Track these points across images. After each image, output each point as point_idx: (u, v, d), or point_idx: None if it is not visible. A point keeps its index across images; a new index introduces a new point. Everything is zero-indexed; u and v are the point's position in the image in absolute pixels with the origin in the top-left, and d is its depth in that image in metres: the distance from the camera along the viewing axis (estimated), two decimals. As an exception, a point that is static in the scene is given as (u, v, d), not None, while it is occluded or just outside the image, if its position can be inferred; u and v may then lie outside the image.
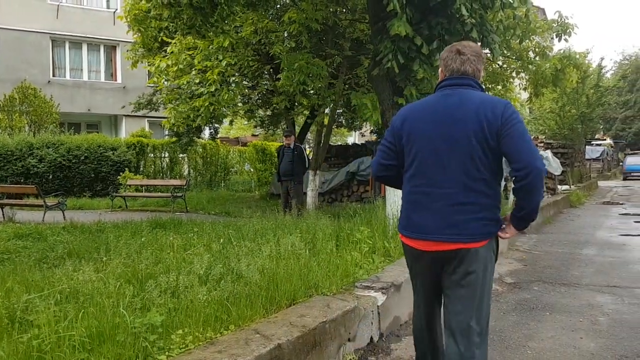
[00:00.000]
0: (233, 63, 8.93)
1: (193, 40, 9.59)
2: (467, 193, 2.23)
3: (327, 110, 12.01)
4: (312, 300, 3.35)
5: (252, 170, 21.79)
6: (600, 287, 5.01)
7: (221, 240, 4.74)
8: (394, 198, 5.82)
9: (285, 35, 9.84)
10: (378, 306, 3.62)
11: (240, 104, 15.74)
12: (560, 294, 4.83)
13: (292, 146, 9.48)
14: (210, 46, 9.31)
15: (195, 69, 9.37)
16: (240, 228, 5.45)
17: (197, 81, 9.36)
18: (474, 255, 2.24)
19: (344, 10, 10.35)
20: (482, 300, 2.29)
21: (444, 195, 2.26)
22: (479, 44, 5.32)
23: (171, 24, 6.06)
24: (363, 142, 19.31)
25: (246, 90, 14.40)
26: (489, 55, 5.69)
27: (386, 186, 5.90)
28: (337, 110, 17.19)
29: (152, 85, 12.31)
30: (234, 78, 9.32)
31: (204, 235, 5.16)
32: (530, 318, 4.13)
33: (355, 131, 26.62)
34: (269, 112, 16.19)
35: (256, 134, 29.67)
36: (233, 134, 43.78)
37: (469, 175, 2.23)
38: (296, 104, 12.83)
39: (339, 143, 28.26)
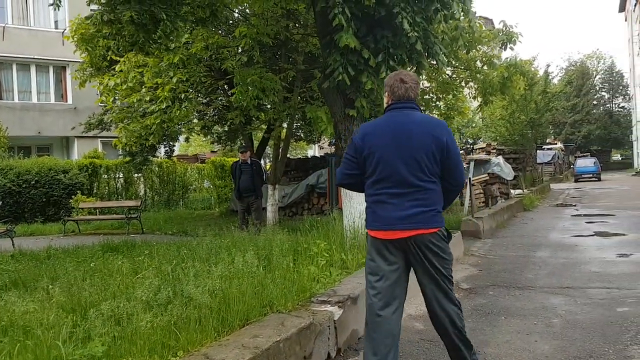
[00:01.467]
0: (185, 79, 8.79)
1: (143, 58, 9.41)
2: (418, 192, 2.82)
3: (284, 124, 11.98)
4: (266, 319, 3.28)
5: (211, 187, 21.50)
6: (553, 289, 5.12)
7: (174, 261, 4.60)
8: (350, 210, 5.82)
9: (238, 50, 9.79)
10: (335, 321, 3.57)
11: (195, 120, 15.54)
12: (515, 298, 4.91)
13: (248, 162, 9.42)
14: (161, 63, 9.16)
15: (146, 87, 9.18)
16: (195, 248, 5.32)
17: (147, 99, 9.17)
18: (431, 239, 2.80)
19: (296, 25, 10.40)
20: (447, 272, 2.86)
21: (401, 194, 2.84)
22: (425, 54, 5.42)
23: (112, 42, 5.91)
24: (322, 154, 19.35)
25: (201, 107, 14.24)
26: (435, 65, 5.79)
27: (344, 198, 5.91)
28: (295, 124, 17.23)
29: (102, 104, 11.99)
30: (185, 94, 9.15)
31: (156, 257, 5.01)
32: (486, 323, 4.17)
33: (314, 144, 26.69)
34: (225, 128, 16.04)
35: (215, 150, 29.34)
36: (191, 151, 43.12)
37: (419, 178, 2.83)
38: (253, 118, 12.77)
39: (299, 156, 28.27)
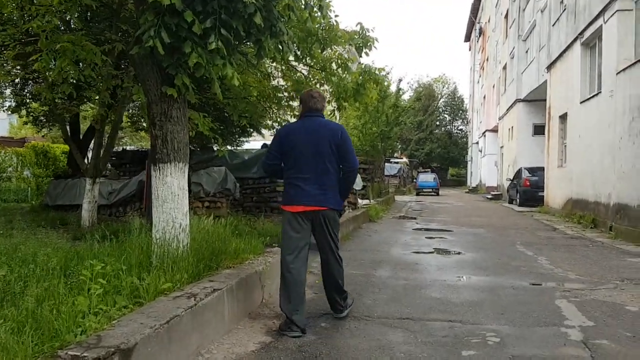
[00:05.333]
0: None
1: None
2: (321, 178, 4.03)
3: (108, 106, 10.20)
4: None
5: (30, 176, 18.48)
6: (392, 320, 4.42)
7: None
8: (160, 216, 4.57)
9: (55, 11, 7.95)
10: (82, 391, 2.35)
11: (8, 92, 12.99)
12: (350, 332, 4.09)
13: None
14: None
15: None
16: None
17: None
18: (327, 214, 4.08)
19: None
20: (335, 237, 4.23)
21: (308, 179, 4.03)
22: (267, 33, 4.42)
23: None
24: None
25: (16, 79, 11.84)
26: (281, 50, 4.82)
27: (155, 202, 4.64)
28: (135, 110, 15.30)
29: None
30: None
31: None
32: (310, 375, 3.24)
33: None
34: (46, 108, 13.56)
35: (44, 134, 25.64)
36: (23, 133, 37.89)
37: (322, 168, 4.03)
38: (84, 97, 10.81)
39: (143, 148, 25.82)
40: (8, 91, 13.48)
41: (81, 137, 13.82)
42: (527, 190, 20.19)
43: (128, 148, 20.53)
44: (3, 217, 11.34)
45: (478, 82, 46.42)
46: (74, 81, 8.75)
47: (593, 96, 13.35)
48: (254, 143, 16.85)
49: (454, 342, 3.85)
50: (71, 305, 3.11)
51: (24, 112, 13.41)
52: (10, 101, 13.46)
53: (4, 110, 13.62)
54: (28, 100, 13.16)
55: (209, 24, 3.96)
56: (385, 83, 19.08)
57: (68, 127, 13.64)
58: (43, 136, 27.32)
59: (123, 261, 3.87)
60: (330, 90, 10.56)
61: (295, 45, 7.82)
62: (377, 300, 5.11)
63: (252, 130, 14.61)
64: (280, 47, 4.76)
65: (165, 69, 4.36)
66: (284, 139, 4.13)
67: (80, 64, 7.65)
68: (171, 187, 4.57)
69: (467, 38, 54.04)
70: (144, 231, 4.71)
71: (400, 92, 22.96)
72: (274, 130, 11.53)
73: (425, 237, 10.52)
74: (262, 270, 4.83)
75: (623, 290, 5.62)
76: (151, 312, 3.27)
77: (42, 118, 13.76)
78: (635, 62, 10.32)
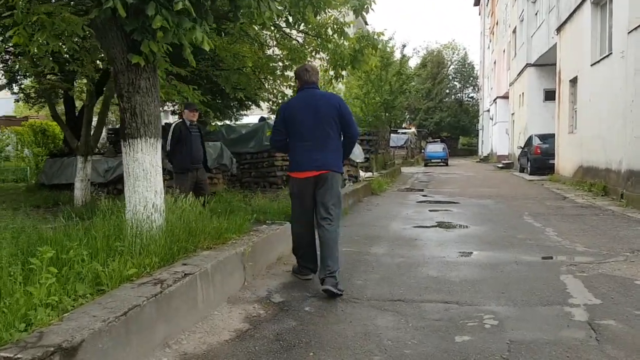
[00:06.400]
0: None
1: None
2: (325, 144, 4.30)
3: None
4: None
5: (29, 155, 18.29)
6: (383, 303, 4.11)
7: None
8: (133, 196, 4.25)
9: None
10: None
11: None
12: (335, 317, 3.79)
13: (195, 124, 7.61)
14: None
15: None
16: None
17: None
18: (331, 177, 4.34)
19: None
20: (338, 200, 4.43)
21: (312, 147, 4.30)
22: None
23: None
24: (165, 122, 17.23)
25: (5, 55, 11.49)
26: (264, 13, 4.41)
27: (127, 180, 4.32)
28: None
29: None
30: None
31: None
32: (285, 367, 2.95)
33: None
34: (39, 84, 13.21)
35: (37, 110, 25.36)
36: (28, 112, 37.80)
37: (326, 135, 4.32)
38: (72, 72, 10.44)
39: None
40: (-1, 65, 13.15)
41: (77, 113, 13.49)
42: (538, 158, 19.58)
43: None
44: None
45: (488, 47, 45.24)
46: (67, 55, 8.41)
47: (604, 58, 12.72)
48: (253, 117, 16.42)
49: (448, 327, 3.53)
50: (18, 298, 2.82)
51: (15, 89, 13.10)
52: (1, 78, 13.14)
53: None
54: (19, 77, 12.83)
55: (173, -18, 3.55)
56: (388, 49, 18.45)
57: (62, 104, 13.35)
58: (42, 114, 27.10)
59: (84, 245, 3.56)
60: (327, 57, 10.08)
61: (286, 10, 7.35)
62: (369, 281, 4.79)
63: (250, 103, 14.19)
64: (257, 5, 4.33)
65: (131, 34, 3.98)
66: (286, 113, 4.42)
67: (62, 36, 7.28)
68: (142, 164, 4.25)
69: (477, 2, 52.55)
70: (115, 212, 4.40)
71: (405, 59, 22.22)
72: (271, 102, 11.13)
73: (429, 210, 10.17)
74: (244, 251, 4.52)
75: (633, 263, 5.26)
76: (109, 302, 2.98)
77: (33, 95, 13.43)
78: (649, 20, 9.72)
